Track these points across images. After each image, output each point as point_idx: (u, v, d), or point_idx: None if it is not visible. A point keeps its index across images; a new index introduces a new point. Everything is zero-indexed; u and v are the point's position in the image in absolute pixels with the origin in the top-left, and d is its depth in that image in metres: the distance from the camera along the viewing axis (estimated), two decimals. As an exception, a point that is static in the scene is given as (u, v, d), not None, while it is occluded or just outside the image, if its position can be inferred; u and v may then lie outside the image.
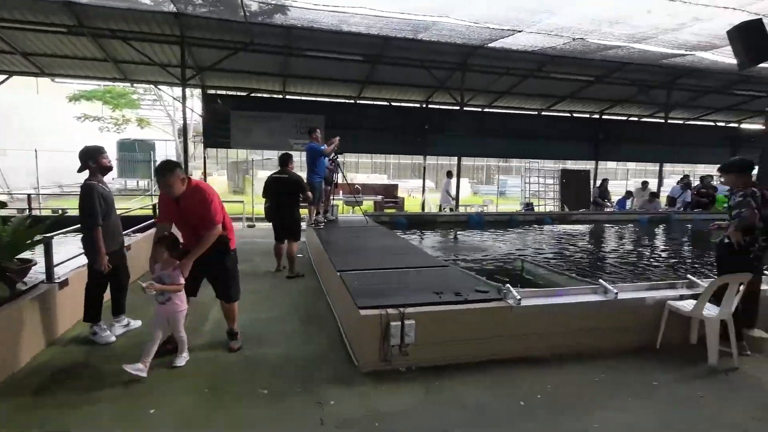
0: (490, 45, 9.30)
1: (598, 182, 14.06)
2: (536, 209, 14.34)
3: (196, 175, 13.10)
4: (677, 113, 14.67)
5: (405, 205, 13.19)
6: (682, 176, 13.81)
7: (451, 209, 12.48)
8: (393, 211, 11.69)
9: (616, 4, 6.60)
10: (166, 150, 22.41)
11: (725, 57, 9.53)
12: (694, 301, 3.78)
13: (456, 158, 13.23)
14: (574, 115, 15.00)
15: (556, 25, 7.78)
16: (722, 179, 4.03)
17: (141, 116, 22.35)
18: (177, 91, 13.74)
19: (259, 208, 11.76)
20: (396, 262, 4.81)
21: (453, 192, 12.68)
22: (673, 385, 3.22)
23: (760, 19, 3.95)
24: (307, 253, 7.16)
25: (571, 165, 19.51)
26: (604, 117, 15.11)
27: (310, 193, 6.08)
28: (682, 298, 3.91)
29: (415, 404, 2.86)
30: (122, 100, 19.90)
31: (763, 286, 4.02)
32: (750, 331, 3.91)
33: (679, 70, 11.13)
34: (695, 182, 13.49)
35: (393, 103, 13.39)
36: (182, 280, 3.25)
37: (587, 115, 15.12)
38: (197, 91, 14.10)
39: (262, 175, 21.81)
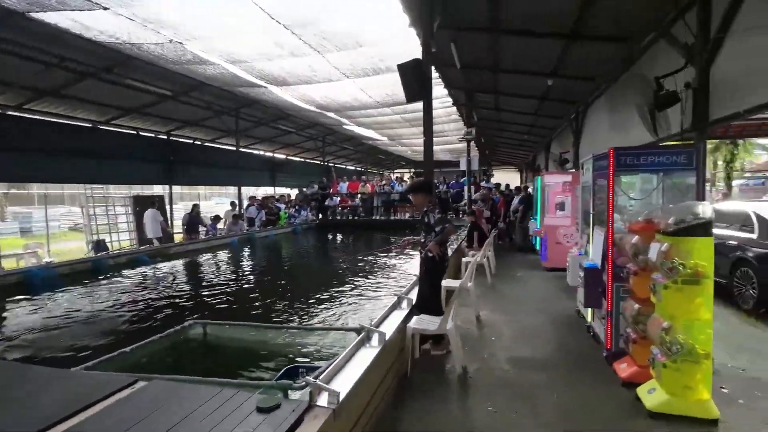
0: (38, 15, 6.24)
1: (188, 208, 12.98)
2: (110, 247, 11.38)
3: None
4: (243, 141, 15.83)
5: None
6: (257, 197, 15.19)
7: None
8: None
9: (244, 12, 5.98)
10: None
11: (284, 94, 11.13)
12: (422, 318, 3.94)
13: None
14: (141, 133, 13.00)
15: (160, 19, 6.22)
16: (411, 197, 4.46)
17: None
18: None
19: None
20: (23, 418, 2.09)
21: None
22: (466, 414, 3.13)
23: (419, 59, 4.64)
24: None
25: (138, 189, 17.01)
26: (172, 138, 14.05)
27: None
28: (409, 317, 3.98)
29: None
30: None
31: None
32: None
33: (245, 100, 11.90)
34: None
35: None
36: None
37: (153, 135, 13.54)
38: None
39: None
